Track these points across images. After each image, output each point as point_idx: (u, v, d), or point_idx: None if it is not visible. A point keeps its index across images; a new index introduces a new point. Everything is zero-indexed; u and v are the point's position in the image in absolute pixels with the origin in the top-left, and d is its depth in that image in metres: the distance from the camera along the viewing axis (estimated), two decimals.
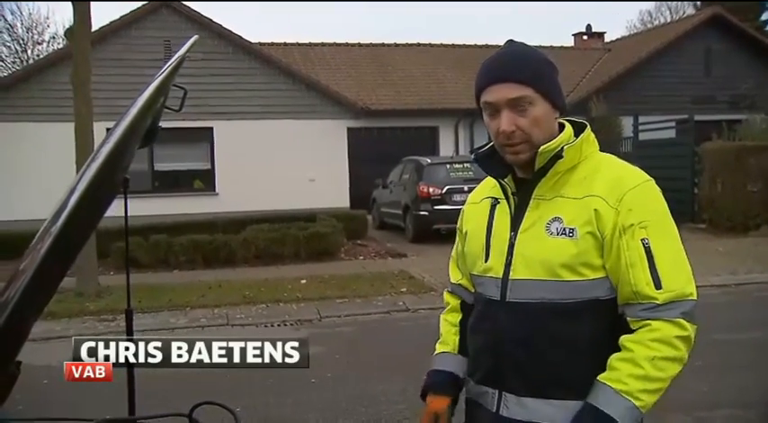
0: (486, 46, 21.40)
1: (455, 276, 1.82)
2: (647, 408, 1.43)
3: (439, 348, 1.81)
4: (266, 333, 7.50)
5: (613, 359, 1.45)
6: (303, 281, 9.74)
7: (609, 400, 1.42)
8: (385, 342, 6.99)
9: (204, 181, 16.86)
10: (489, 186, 1.71)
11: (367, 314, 8.13)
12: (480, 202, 1.71)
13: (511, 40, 1.61)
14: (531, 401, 1.52)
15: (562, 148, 1.53)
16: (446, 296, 1.87)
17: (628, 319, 1.48)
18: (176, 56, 1.24)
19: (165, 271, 10.76)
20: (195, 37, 1.31)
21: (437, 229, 13.02)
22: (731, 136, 14.71)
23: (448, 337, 1.80)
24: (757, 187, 13.30)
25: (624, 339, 1.46)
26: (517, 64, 1.53)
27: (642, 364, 1.41)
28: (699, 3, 29.46)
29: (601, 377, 1.45)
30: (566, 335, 1.50)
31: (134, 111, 1.10)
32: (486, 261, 1.62)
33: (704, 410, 4.62)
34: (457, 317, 1.80)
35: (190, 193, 16.45)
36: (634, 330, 1.46)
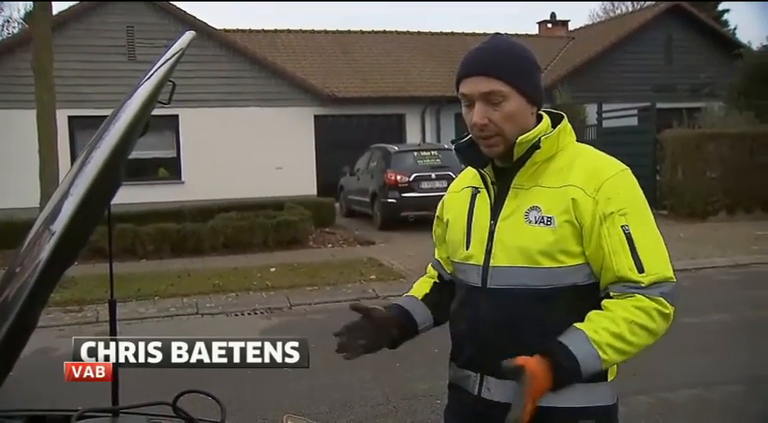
0: (452, 33, 21.49)
1: (439, 253, 1.88)
2: (608, 364, 1.49)
3: (410, 290, 1.87)
4: (237, 322, 7.50)
5: (592, 313, 1.52)
6: (272, 269, 9.73)
7: (577, 342, 1.47)
8: None
9: (170, 169, 16.66)
10: (470, 176, 1.75)
11: (337, 301, 8.16)
12: (461, 191, 1.75)
13: (496, 34, 1.64)
14: (513, 383, 1.56)
15: (539, 138, 1.57)
16: (428, 268, 1.92)
17: (612, 294, 1.53)
18: (174, 49, 1.25)
19: (132, 260, 10.63)
20: (192, 33, 1.32)
21: (405, 217, 13.10)
22: (691, 123, 15.04)
23: (418, 287, 1.87)
24: (716, 174, 13.64)
25: (606, 301, 1.52)
26: (494, 58, 1.56)
27: (619, 323, 1.47)
28: None
29: (576, 324, 1.51)
30: (545, 319, 1.55)
31: (137, 103, 1.11)
32: (467, 249, 1.66)
33: (667, 392, 4.78)
34: (434, 276, 1.87)
35: (155, 181, 16.24)
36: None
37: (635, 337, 1.48)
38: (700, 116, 15.67)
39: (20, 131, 12.62)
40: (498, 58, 1.56)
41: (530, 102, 1.59)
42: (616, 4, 36.29)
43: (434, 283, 1.86)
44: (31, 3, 9.66)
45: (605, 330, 1.47)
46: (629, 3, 34.81)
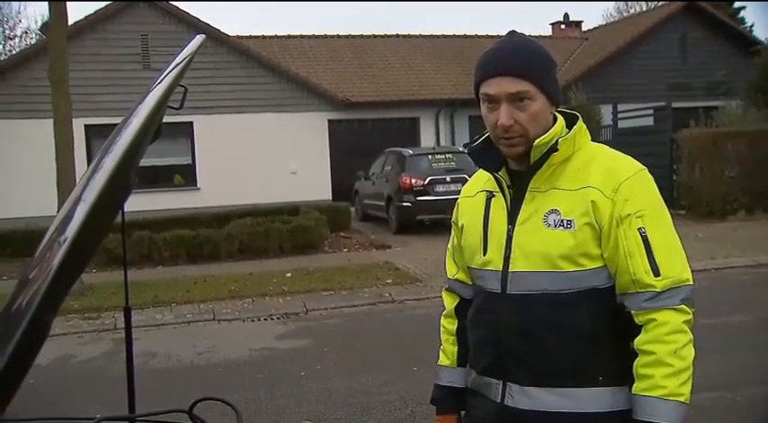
0: (465, 36, 21.46)
1: (451, 271, 1.84)
2: (689, 398, 1.46)
3: (440, 358, 1.86)
4: (253, 327, 7.49)
5: (639, 367, 1.47)
6: (288, 274, 9.73)
7: (657, 409, 1.43)
8: (372, 333, 7.02)
9: (185, 176, 16.75)
10: (483, 179, 1.72)
11: (353, 306, 8.15)
12: (475, 196, 1.72)
13: (513, 32, 1.61)
14: (535, 391, 1.55)
15: (557, 140, 1.54)
16: (443, 295, 1.89)
17: (632, 312, 1.49)
18: (184, 54, 1.24)
19: (149, 267, 10.70)
20: (202, 36, 1.30)
21: (420, 220, 13.07)
22: (708, 122, 14.88)
23: (447, 347, 1.84)
24: (734, 172, 13.48)
25: (641, 343, 1.47)
26: (519, 58, 1.54)
27: (669, 361, 1.44)
28: None
29: (637, 390, 1.46)
30: (566, 324, 1.52)
31: (147, 108, 1.10)
32: (484, 254, 1.63)
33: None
34: (453, 325, 1.83)
35: (171, 188, 16.34)
36: (639, 325, 1.48)
37: (685, 360, 1.46)
38: (717, 115, 15.49)
39: (37, 140, 12.76)
40: (522, 57, 1.54)
41: (551, 101, 1.57)
42: (630, 3, 36.11)
43: (456, 330, 1.81)
44: (48, 13, 9.70)
45: (665, 378, 1.44)
46: (644, 2, 34.61)
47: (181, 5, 16.64)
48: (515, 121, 1.53)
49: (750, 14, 38.13)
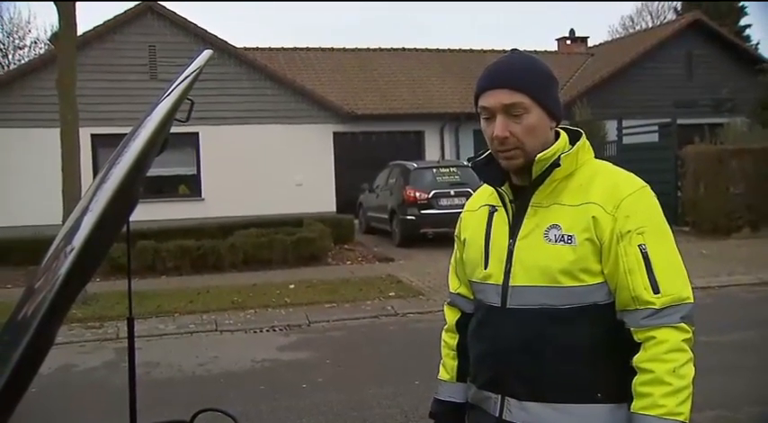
0: (471, 50, 21.55)
1: (453, 285, 1.85)
2: (688, 417, 1.45)
3: (440, 373, 1.86)
4: (255, 339, 7.49)
5: (638, 385, 1.46)
6: (291, 286, 9.74)
7: None
8: (374, 346, 7.01)
9: (190, 186, 16.79)
10: (486, 194, 1.74)
11: (356, 319, 8.14)
12: (478, 210, 1.73)
13: (515, 50, 1.65)
14: (534, 406, 1.54)
15: (559, 156, 1.55)
16: (445, 310, 1.89)
17: (631, 329, 1.49)
18: (192, 67, 1.26)
19: (152, 277, 10.70)
20: (210, 51, 1.32)
21: (424, 234, 13.07)
22: (713, 139, 14.89)
23: (447, 362, 1.85)
24: (739, 189, 13.47)
25: (639, 361, 1.47)
26: (516, 71, 1.56)
27: (667, 379, 1.43)
28: (679, 8, 29.83)
29: (636, 408, 1.45)
30: (565, 340, 1.52)
31: (155, 120, 1.12)
32: (485, 268, 1.64)
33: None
34: (454, 339, 1.83)
35: (176, 198, 16.38)
36: (638, 343, 1.48)
37: (684, 379, 1.45)
38: (722, 132, 15.51)
39: (44, 149, 12.84)
40: (519, 71, 1.56)
41: (550, 116, 1.58)
42: (635, 19, 36.26)
43: (457, 344, 1.81)
44: (57, 22, 9.77)
45: (663, 397, 1.43)
46: (650, 18, 34.75)
47: (189, 16, 16.74)
48: (511, 134, 1.54)
49: (756, 32, 38.24)
